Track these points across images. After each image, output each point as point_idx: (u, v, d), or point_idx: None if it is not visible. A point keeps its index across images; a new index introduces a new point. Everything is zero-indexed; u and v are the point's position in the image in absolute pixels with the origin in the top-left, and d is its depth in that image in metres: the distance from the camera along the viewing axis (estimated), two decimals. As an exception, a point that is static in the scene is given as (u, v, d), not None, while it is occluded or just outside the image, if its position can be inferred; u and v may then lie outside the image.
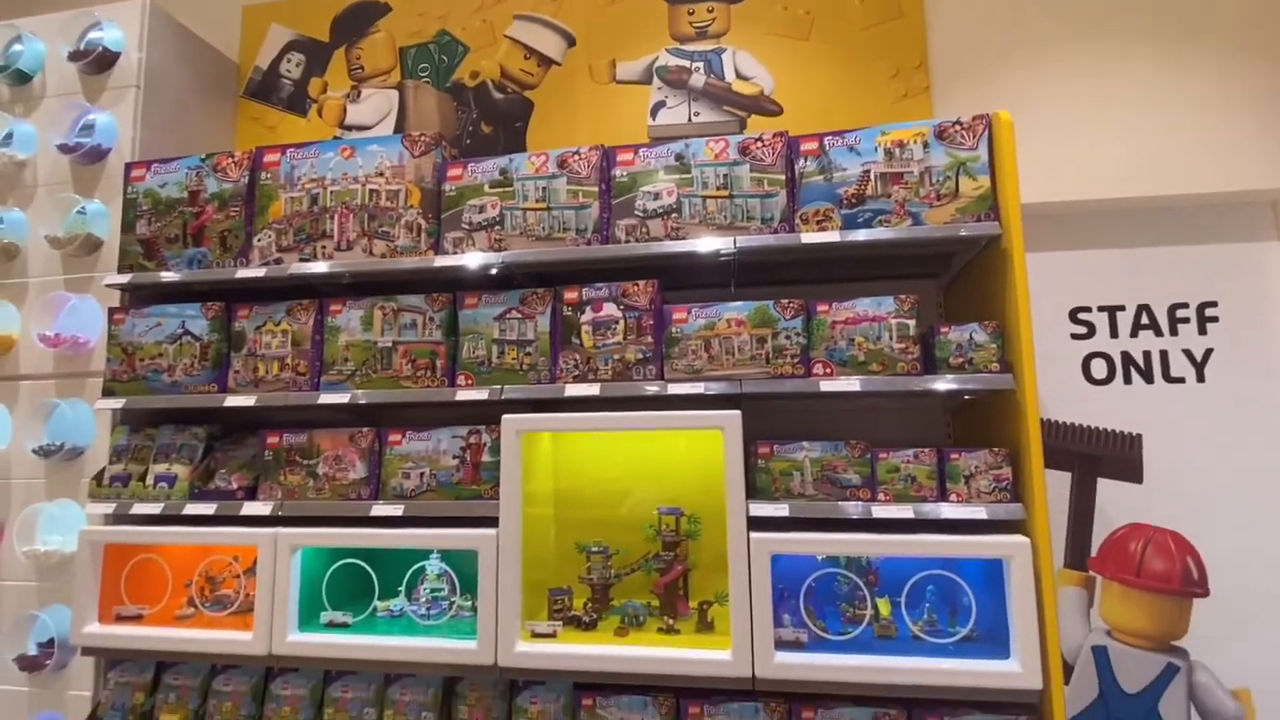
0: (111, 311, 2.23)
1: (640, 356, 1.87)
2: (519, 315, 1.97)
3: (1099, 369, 2.40)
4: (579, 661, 1.76)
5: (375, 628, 1.99)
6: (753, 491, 1.78)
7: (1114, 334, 2.41)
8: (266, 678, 2.02)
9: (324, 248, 2.12)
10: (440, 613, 2.00)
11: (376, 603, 2.09)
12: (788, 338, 1.80)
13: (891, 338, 1.77)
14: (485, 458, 1.93)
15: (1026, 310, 1.68)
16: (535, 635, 1.84)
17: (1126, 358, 2.39)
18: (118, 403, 2.14)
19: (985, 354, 1.74)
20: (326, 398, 2.02)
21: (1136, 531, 2.31)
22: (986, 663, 1.65)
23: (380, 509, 1.93)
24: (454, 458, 1.95)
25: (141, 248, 2.26)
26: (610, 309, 1.91)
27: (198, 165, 2.25)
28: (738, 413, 1.77)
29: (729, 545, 1.73)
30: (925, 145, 1.82)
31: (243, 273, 2.13)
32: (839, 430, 1.87)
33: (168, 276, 2.18)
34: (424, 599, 2.06)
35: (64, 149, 2.41)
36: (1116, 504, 2.33)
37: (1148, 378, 2.37)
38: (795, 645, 1.73)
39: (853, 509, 1.72)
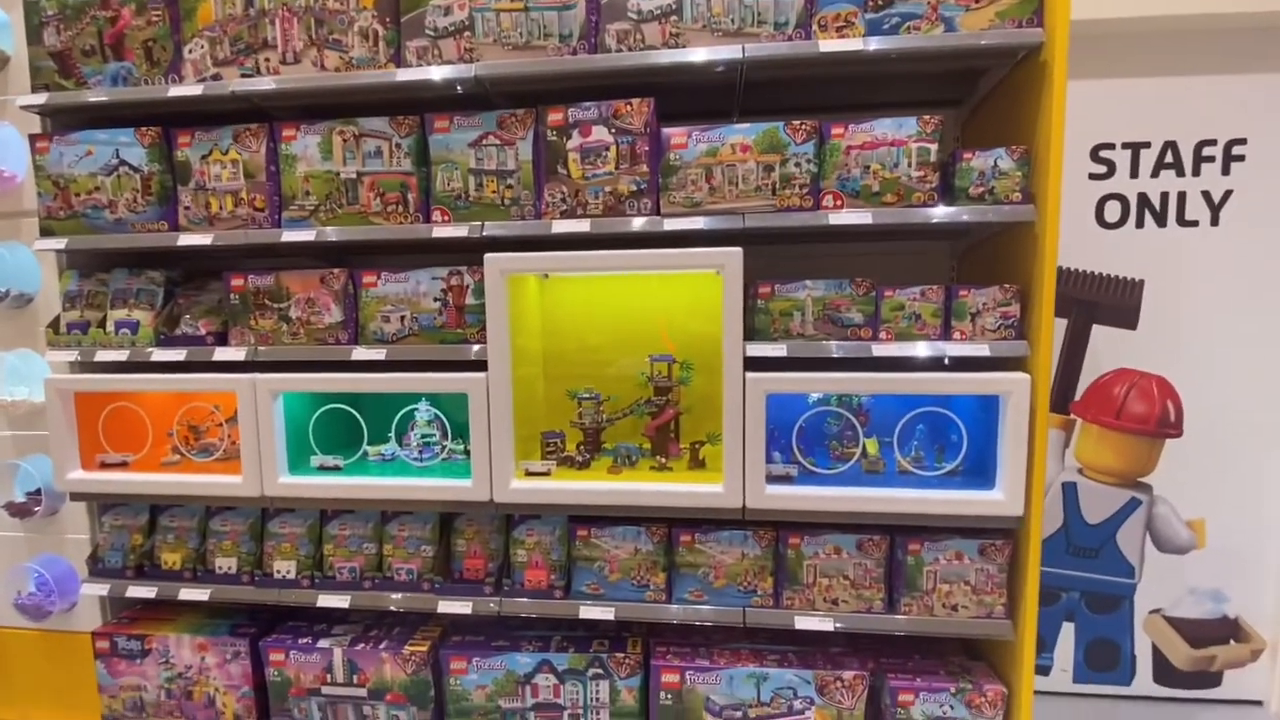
0: (33, 139, 1.96)
1: (634, 188, 1.71)
2: (497, 141, 1.76)
3: (1113, 212, 2.29)
4: (573, 496, 1.78)
5: (368, 471, 1.99)
6: (751, 333, 1.71)
7: (1134, 173, 2.27)
8: (263, 518, 2.05)
9: (267, 60, 1.84)
10: (432, 457, 1.99)
11: (367, 448, 2.08)
12: (797, 165, 1.64)
13: (910, 164, 1.61)
14: (469, 300, 1.82)
15: (1060, 131, 1.53)
16: (529, 474, 1.85)
17: (1143, 200, 2.28)
18: (59, 243, 1.95)
19: (1008, 182, 1.60)
20: (290, 235, 1.85)
21: (1122, 376, 2.33)
22: (970, 493, 1.69)
23: (361, 353, 1.84)
24: (435, 300, 1.83)
25: (55, 63, 1.94)
26: (600, 133, 1.71)
27: (101, -46, 1.87)
28: (738, 250, 1.65)
29: (724, 384, 1.69)
30: (966, -68, 1.55)
31: (176, 91, 1.85)
32: (839, 275, 1.77)
33: (92, 97, 1.90)
34: (415, 444, 2.05)
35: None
36: (1107, 350, 2.33)
37: (1160, 220, 2.27)
38: (785, 479, 1.76)
39: (852, 348, 1.67)
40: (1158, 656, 2.40)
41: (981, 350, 1.63)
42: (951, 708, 1.75)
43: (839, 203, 1.65)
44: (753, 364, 1.68)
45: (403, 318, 1.85)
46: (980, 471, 1.77)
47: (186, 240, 1.90)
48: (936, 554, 1.72)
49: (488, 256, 1.74)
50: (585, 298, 2.19)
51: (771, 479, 1.73)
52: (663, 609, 1.81)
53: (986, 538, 1.71)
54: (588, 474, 1.88)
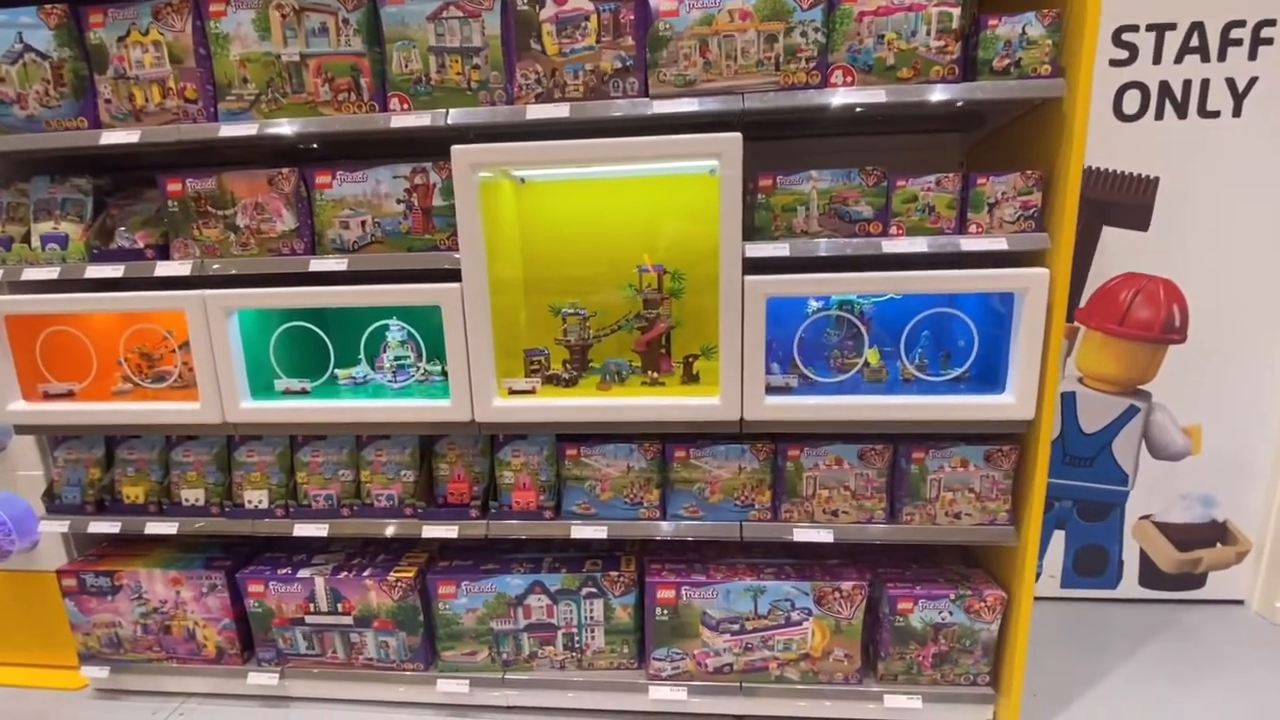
0: (-85, 22, 1.68)
1: (618, 65, 1.51)
2: (460, 13, 1.53)
3: (1131, 103, 2.13)
4: (561, 414, 1.66)
5: (338, 395, 1.85)
6: (750, 233, 1.56)
7: (1157, 59, 2.10)
8: (229, 447, 1.92)
9: (182, -83, 1.56)
10: (407, 380, 1.85)
11: (336, 370, 1.93)
12: (803, 34, 1.45)
13: (929, 33, 1.43)
14: (436, 201, 1.64)
15: (1099, -11, 1.35)
16: (513, 392, 1.73)
17: (1164, 89, 2.11)
18: (-38, 144, 1.71)
19: (1036, 53, 1.43)
20: (229, 130, 1.63)
21: (1129, 281, 2.23)
22: (978, 397, 1.61)
23: (319, 264, 1.67)
24: (399, 202, 1.65)
25: (-73, -74, 1.64)
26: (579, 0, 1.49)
27: None
28: (737, 135, 1.47)
29: (721, 289, 1.55)
30: None
31: (77, -44, 1.58)
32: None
33: (-23, -32, 1.62)
34: (389, 366, 1.91)
35: None
36: (1116, 253, 2.23)
37: (1181, 111, 2.12)
38: (784, 390, 1.66)
39: (861, 245, 1.53)
40: (1144, 560, 2.43)
41: (999, 244, 1.50)
42: (950, 614, 1.73)
43: (849, 79, 1.47)
44: (752, 267, 1.54)
45: (363, 223, 1.66)
46: (987, 377, 1.69)
47: (110, 139, 1.67)
48: (941, 462, 1.66)
49: (455, 149, 1.54)
50: (566, 205, 2.01)
51: (770, 390, 1.62)
52: (657, 526, 1.74)
53: (993, 444, 1.65)
54: (575, 391, 1.76)
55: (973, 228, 1.53)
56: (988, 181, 1.51)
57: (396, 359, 1.96)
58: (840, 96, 1.46)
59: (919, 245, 1.52)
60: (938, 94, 1.45)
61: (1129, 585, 2.44)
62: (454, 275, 1.61)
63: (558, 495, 1.79)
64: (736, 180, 1.49)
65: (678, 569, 1.82)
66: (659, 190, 1.98)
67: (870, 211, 1.54)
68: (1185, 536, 2.39)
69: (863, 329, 1.70)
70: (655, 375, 1.77)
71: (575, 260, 2.02)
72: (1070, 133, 1.44)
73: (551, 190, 2.01)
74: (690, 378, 1.78)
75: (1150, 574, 2.43)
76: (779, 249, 1.53)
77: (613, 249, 2.00)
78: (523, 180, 2.00)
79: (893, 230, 1.55)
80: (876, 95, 1.46)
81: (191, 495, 1.91)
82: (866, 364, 1.79)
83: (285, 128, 1.61)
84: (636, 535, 1.75)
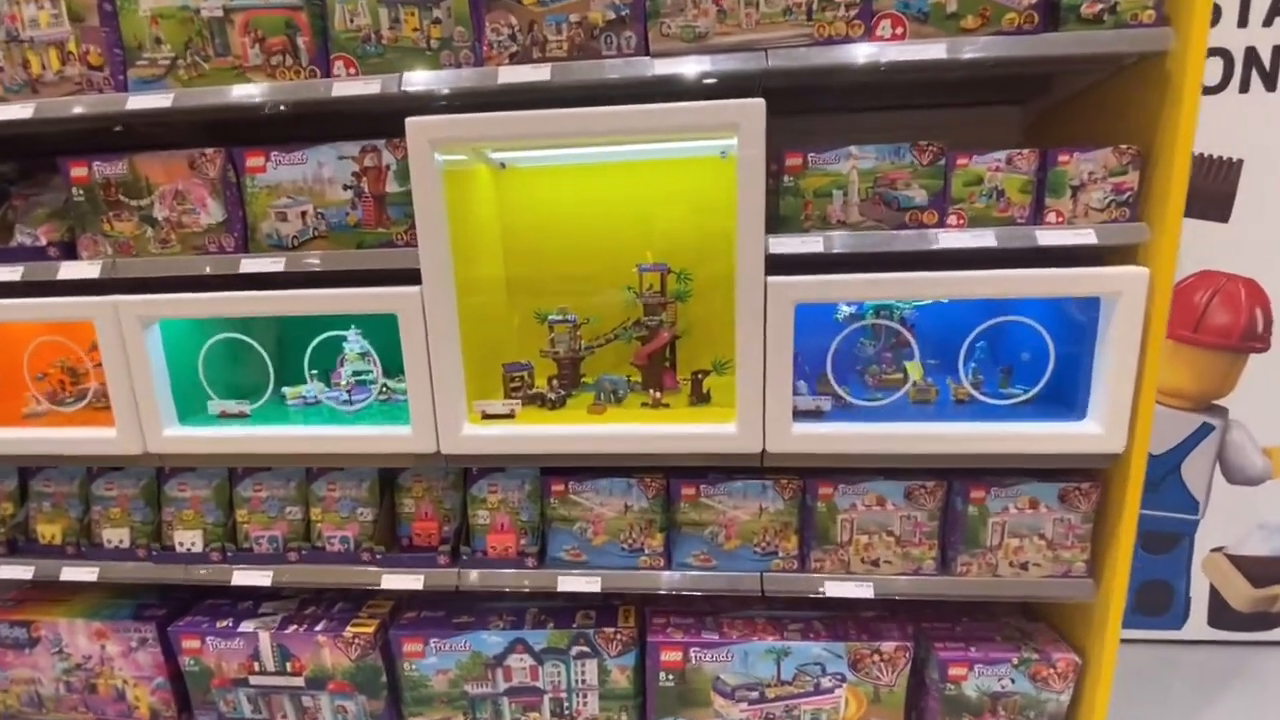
0: None
1: (611, 16, 1.22)
2: (416, -46, 1.24)
3: (1212, 72, 1.83)
4: (545, 444, 1.38)
5: (285, 418, 1.57)
6: (774, 224, 1.27)
7: (1243, 20, 1.80)
8: (159, 480, 1.63)
9: None
10: (366, 399, 1.57)
11: (285, 389, 1.65)
12: (842, -27, 1.16)
13: (1003, -32, 1.14)
14: (391, 187, 1.35)
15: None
16: (487, 416, 1.44)
17: (1250, 57, 1.81)
18: None
19: (1138, -3, 1.14)
20: (138, 102, 1.34)
21: (1205, 280, 1.94)
22: (1052, 425, 1.32)
23: (252, 264, 1.38)
24: (345, 188, 1.36)
25: None
26: (560, -66, 1.20)
27: None
28: (760, 101, 1.18)
29: (739, 294, 1.26)
30: None
31: (-52, -112, 1.29)
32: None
33: None
34: (345, 383, 1.63)
35: None
36: (1189, 249, 1.93)
37: (1270, 82, 1.82)
38: (814, 415, 1.37)
39: (913, 239, 1.24)
40: (1215, 598, 2.13)
41: (1085, 237, 1.21)
42: (1013, 681, 1.44)
43: (900, 30, 1.17)
44: (777, 266, 1.25)
45: (304, 214, 1.37)
46: (1059, 398, 1.39)
47: (0, 115, 1.38)
48: (1005, 502, 1.37)
49: (410, 122, 1.25)
50: (553, 195, 1.72)
51: (798, 415, 1.33)
52: (660, 577, 1.46)
53: (1069, 480, 1.36)
54: (563, 415, 1.48)
55: (1051, 216, 1.24)
56: (1071, 159, 1.21)
57: (355, 374, 1.68)
58: (889, 53, 1.16)
59: (984, 238, 1.22)
60: (1015, 48, 1.15)
61: (1196, 625, 2.15)
62: (415, 277, 1.33)
63: (542, 539, 1.51)
64: (758, 158, 1.19)
65: (685, 625, 1.54)
66: (662, 176, 1.69)
67: (924, 197, 1.25)
68: (1262, 571, 2.09)
69: (911, 339, 1.41)
70: (658, 395, 1.48)
71: (564, 259, 1.74)
72: (1178, 96, 1.15)
73: (536, 177, 1.72)
74: (700, 397, 1.49)
75: (1221, 613, 2.14)
76: (810, 243, 1.24)
77: (608, 245, 1.71)
78: (502, 165, 1.71)
79: (951, 219, 1.25)
80: (932, 51, 1.16)
81: (115, 535, 1.63)
82: (912, 382, 1.50)
83: (206, 99, 1.32)
84: (636, 587, 1.47)
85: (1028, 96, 1.57)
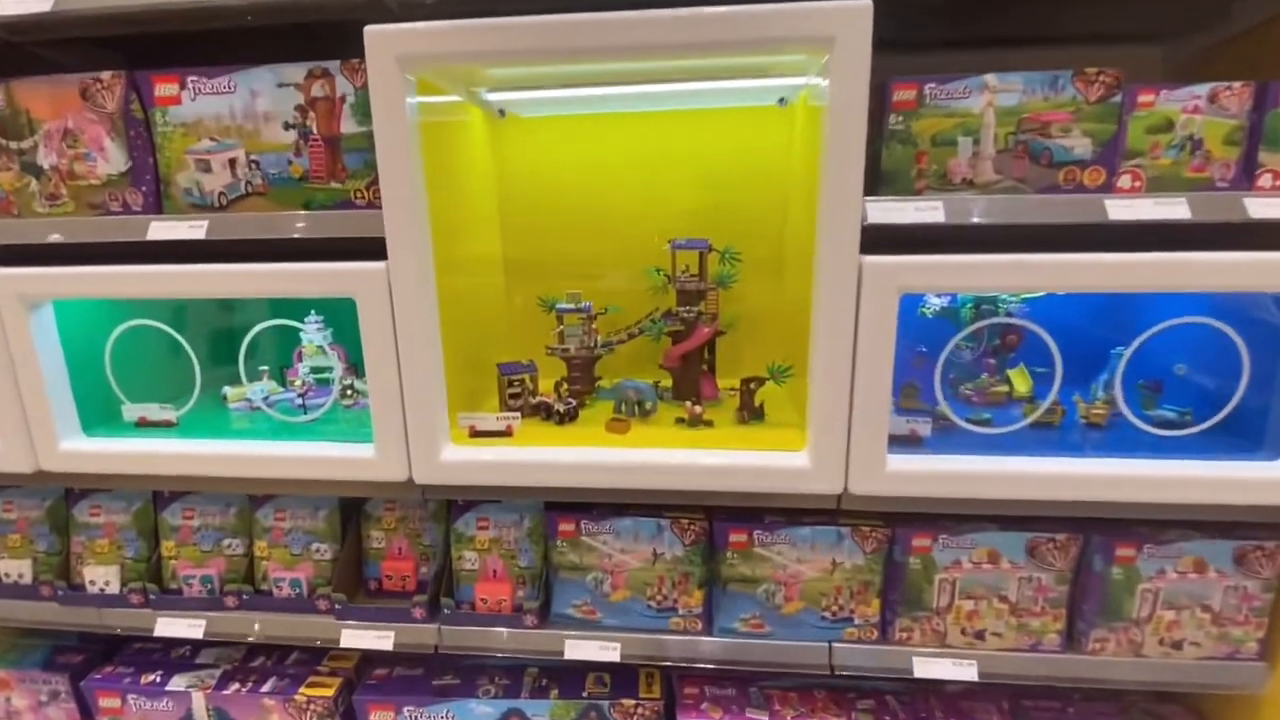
0: None
1: (654, -121, 0.86)
2: None
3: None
4: (552, 473, 1.04)
5: (224, 427, 1.24)
6: (874, 183, 0.92)
7: None
8: (68, 501, 1.31)
9: None
10: (323, 402, 1.23)
11: (227, 390, 1.32)
12: None
13: None
14: (347, 126, 1.00)
15: None
16: (477, 434, 1.11)
17: None
18: None
19: None
20: (12, 4, 0.99)
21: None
22: (1237, 465, 0.98)
23: (165, 229, 1.03)
24: (287, 127, 1.01)
25: None
26: None
27: None
28: (865, 3, 0.83)
29: (819, 277, 0.92)
30: None
31: None
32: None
33: None
34: (300, 382, 1.30)
35: None
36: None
37: None
38: (910, 442, 1.03)
39: (1072, 206, 0.89)
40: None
41: (1319, 207, 0.86)
42: (1149, 785, 1.12)
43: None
44: (876, 240, 0.90)
45: (233, 163, 1.02)
46: (1232, 427, 1.05)
47: None
48: (1163, 563, 1.03)
49: (370, 31, 0.90)
50: (564, 150, 1.38)
51: (892, 442, 0.99)
52: (697, 645, 1.13)
53: (1248, 537, 1.02)
54: (575, 433, 1.14)
55: (1265, 178, 0.88)
56: (1305, 95, 0.86)
57: (313, 371, 1.35)
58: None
59: (1173, 208, 0.87)
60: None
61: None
62: (380, 249, 0.98)
63: (545, 590, 1.18)
64: (858, 85, 0.84)
65: (724, 698, 1.21)
66: (702, 130, 1.34)
67: (1087, 148, 0.89)
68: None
69: (1052, 346, 1.06)
70: (697, 410, 1.14)
71: (577, 232, 1.40)
72: None
73: (543, 129, 1.37)
74: (752, 413, 1.15)
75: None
76: (927, 210, 0.89)
77: (631, 215, 1.38)
78: (501, 112, 1.36)
79: (1124, 179, 0.90)
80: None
81: (13, 568, 1.31)
82: (1024, 397, 1.17)
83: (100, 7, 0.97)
84: (666, 657, 1.14)
85: (1177, 33, 1.20)
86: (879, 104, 0.90)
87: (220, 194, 1.04)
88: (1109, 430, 1.11)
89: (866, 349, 0.92)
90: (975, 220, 0.89)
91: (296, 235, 1.01)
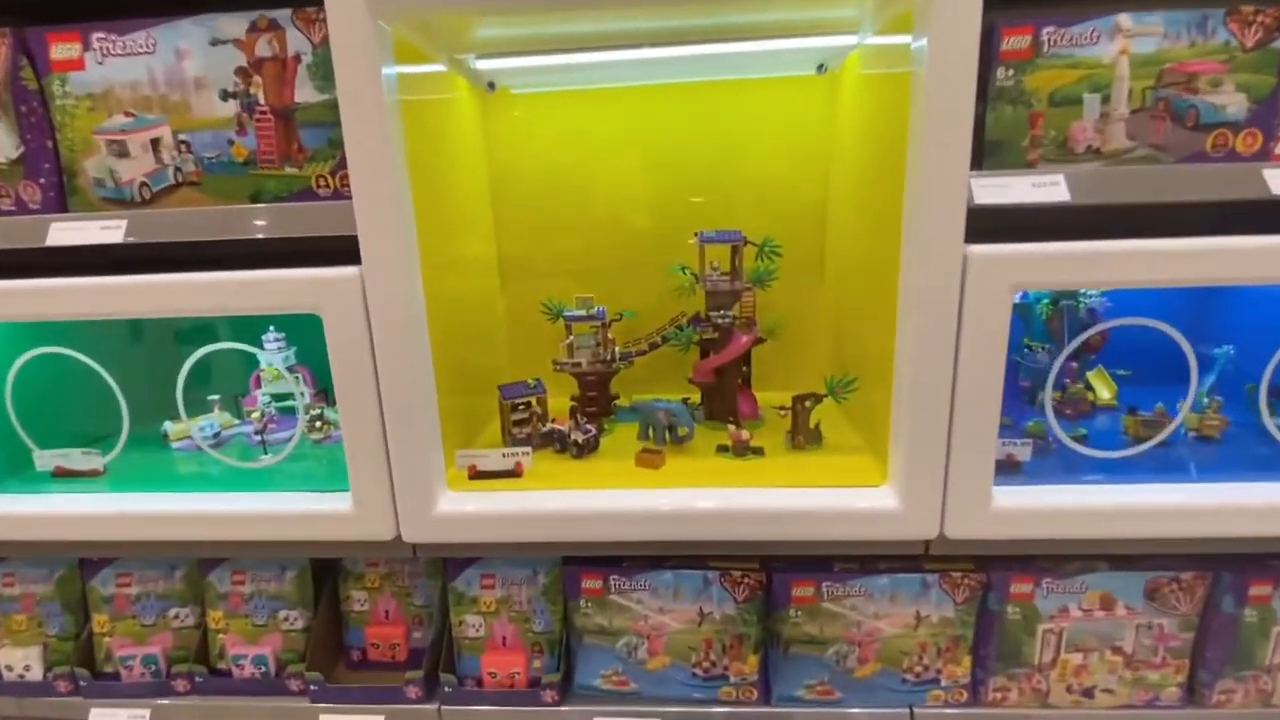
0: None
1: None
2: None
3: None
4: (573, 526, 0.84)
5: (165, 474, 1.01)
6: (984, 150, 0.73)
7: None
8: (-27, 566, 1.07)
9: None
10: (287, 437, 1.01)
11: (168, 425, 1.09)
12: None
13: None
14: (305, 94, 0.78)
15: None
16: (479, 475, 0.90)
17: None
18: None
19: None
20: None
21: None
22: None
23: (71, 231, 0.81)
24: (227, 96, 0.79)
25: None
26: None
27: None
28: (974, -79, 0.64)
29: (908, 272, 0.74)
30: None
31: None
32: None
33: None
34: (260, 414, 1.08)
35: None
36: None
37: None
38: (1007, 468, 0.86)
39: (1226, 177, 0.71)
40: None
41: None
42: None
43: None
44: (982, 227, 0.72)
45: (155, 143, 0.80)
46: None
47: None
48: (1305, 602, 0.87)
49: (331, -33, 0.69)
50: (567, 131, 1.18)
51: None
52: (755, 717, 0.94)
53: None
54: (596, 467, 0.95)
55: None
56: None
57: (276, 399, 1.13)
58: None
59: (1347, 179, 0.70)
60: None
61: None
62: (347, 247, 0.77)
63: (566, 659, 0.98)
64: (969, 17, 0.65)
65: (782, 771, 1.02)
66: (726, 105, 1.16)
67: (1241, 105, 0.72)
68: None
69: (1187, 349, 0.88)
70: (743, 435, 0.95)
71: (584, 225, 1.20)
72: None
73: (541, 106, 1.17)
74: (808, 437, 0.97)
75: None
76: (1047, 187, 0.71)
77: (646, 205, 1.19)
78: (491, 86, 1.15)
79: (1282, 146, 0.73)
80: None
81: (-93, 653, 1.06)
82: (1109, 405, 1.01)
83: (-36, -68, 0.74)
84: (716, 733, 0.95)
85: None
86: (982, 55, 0.72)
87: (141, 185, 0.81)
88: (1224, 445, 0.95)
89: (970, 358, 0.74)
90: (1106, 199, 0.71)
91: (243, 236, 0.79)
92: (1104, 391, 1.10)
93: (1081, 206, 0.71)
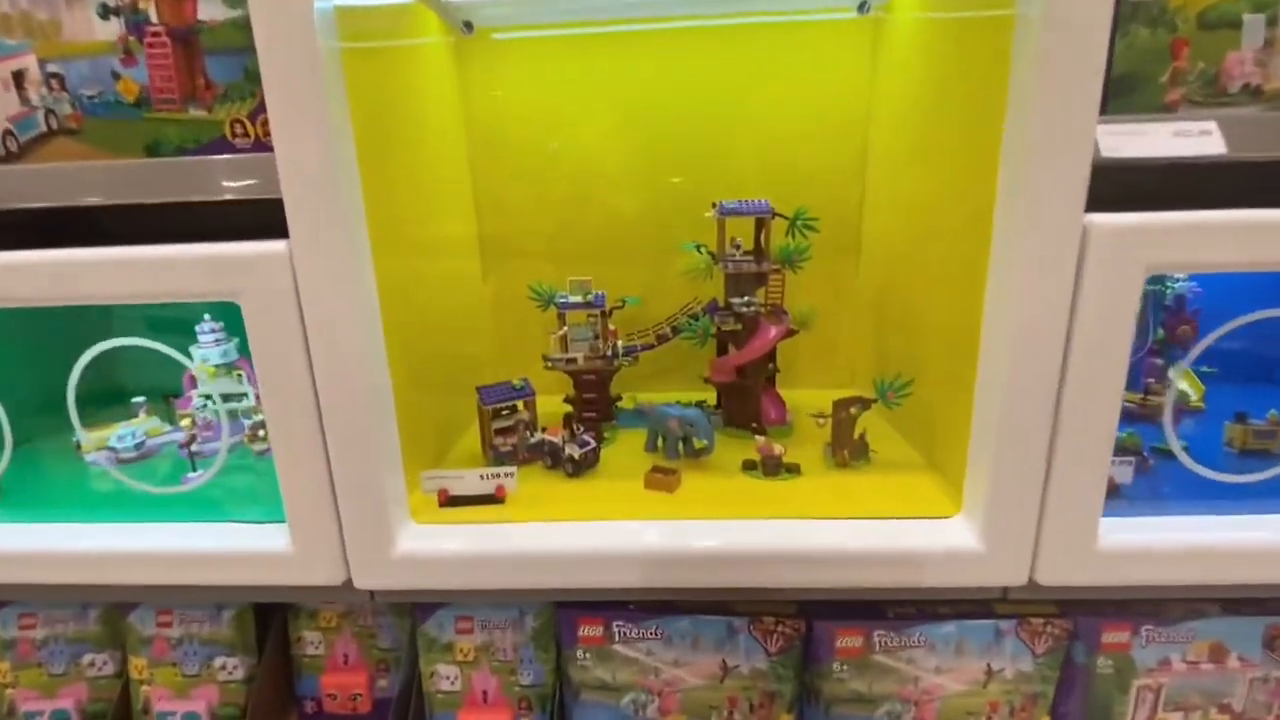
0: None
1: None
2: None
3: None
4: (566, 570, 0.67)
5: (69, 496, 0.84)
6: (1108, 88, 0.56)
7: None
8: None
9: None
10: (226, 446, 0.83)
11: (79, 437, 0.91)
12: None
13: None
14: (210, 10, 0.59)
15: None
16: (450, 502, 0.73)
17: None
18: None
19: None
20: None
21: None
22: None
23: (-89, 193, 0.62)
24: (106, 13, 0.60)
25: None
26: None
27: None
28: None
29: (1001, 246, 0.57)
30: None
31: None
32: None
33: None
34: (191, 418, 0.90)
35: None
36: None
37: None
38: (1111, 497, 0.69)
39: None
40: None
41: None
42: None
43: None
44: (1100, 192, 0.54)
45: (18, 78, 0.61)
46: None
47: None
48: None
49: None
50: (560, 85, 0.99)
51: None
52: (787, 787, 0.78)
53: None
54: (595, 488, 0.78)
55: None
56: None
57: (206, 402, 0.95)
58: None
59: None
60: None
61: None
62: (268, 214, 0.59)
63: (559, 717, 0.81)
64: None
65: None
66: (746, 51, 0.97)
67: None
68: None
69: None
70: (775, 449, 0.79)
71: (580, 195, 1.02)
72: None
73: (529, 54, 0.98)
74: (854, 451, 0.80)
75: None
76: (1196, 137, 0.54)
77: (653, 171, 1.01)
78: (469, 25, 0.96)
79: None
80: None
81: None
82: (1197, 408, 0.85)
83: None
84: (740, 806, 0.79)
85: None
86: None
87: (5, 134, 0.62)
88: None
89: (1085, 358, 0.57)
90: (1273, 154, 0.54)
91: (136, 201, 0.61)
92: (1190, 386, 0.94)
93: (1237, 162, 0.54)
